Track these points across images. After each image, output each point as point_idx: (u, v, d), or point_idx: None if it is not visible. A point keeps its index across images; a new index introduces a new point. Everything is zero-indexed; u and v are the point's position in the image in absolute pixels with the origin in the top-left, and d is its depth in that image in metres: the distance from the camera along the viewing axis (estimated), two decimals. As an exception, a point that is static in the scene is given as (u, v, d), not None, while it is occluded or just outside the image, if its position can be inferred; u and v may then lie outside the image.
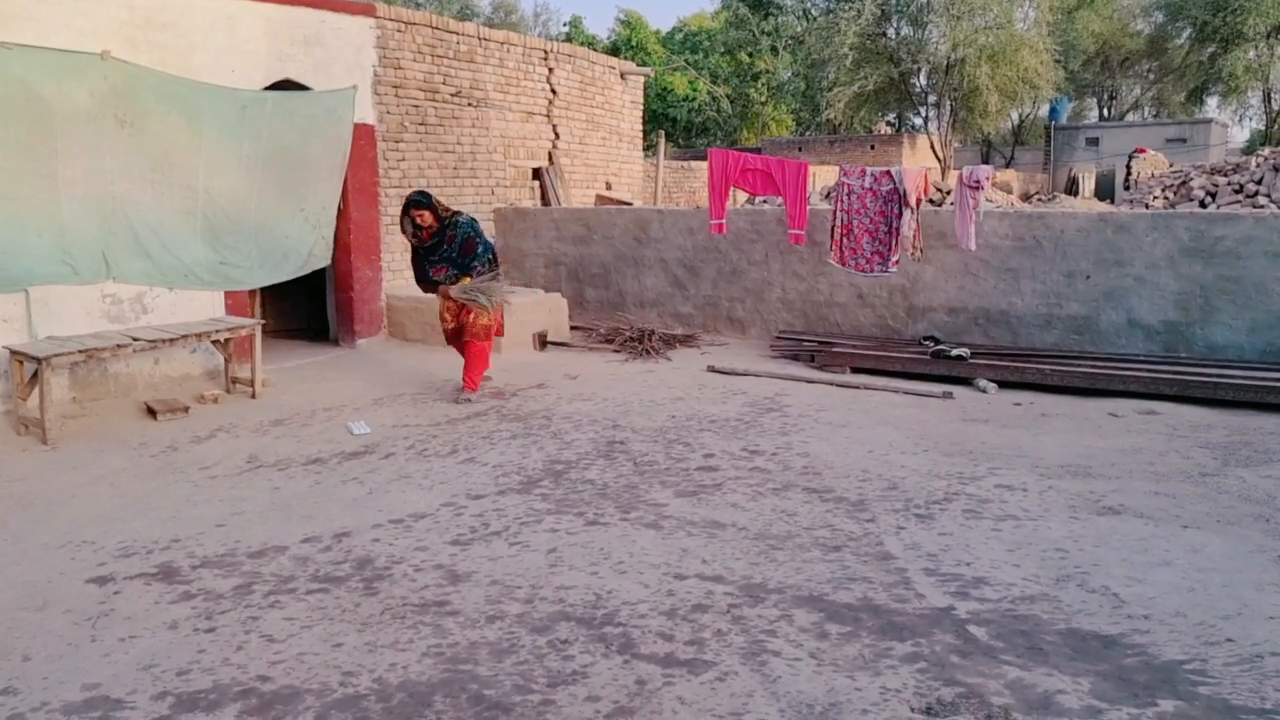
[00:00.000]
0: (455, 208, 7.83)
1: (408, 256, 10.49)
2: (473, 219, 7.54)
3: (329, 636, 3.60)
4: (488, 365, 7.67)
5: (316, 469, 5.78)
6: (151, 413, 7.06)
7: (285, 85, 8.64)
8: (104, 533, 4.72)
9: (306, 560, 4.35)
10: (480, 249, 7.43)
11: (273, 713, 3.09)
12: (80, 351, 6.56)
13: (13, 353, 6.54)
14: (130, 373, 7.58)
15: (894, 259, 8.53)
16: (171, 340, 7.12)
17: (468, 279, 7.43)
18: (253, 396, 7.65)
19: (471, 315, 7.44)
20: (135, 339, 6.92)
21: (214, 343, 7.68)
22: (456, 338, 7.65)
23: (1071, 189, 30.46)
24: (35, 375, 6.38)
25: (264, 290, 8.86)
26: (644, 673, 3.31)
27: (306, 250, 8.78)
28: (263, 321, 8.10)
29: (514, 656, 3.43)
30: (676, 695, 3.17)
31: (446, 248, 7.37)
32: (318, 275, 9.50)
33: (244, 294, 8.45)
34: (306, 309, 10.57)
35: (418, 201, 7.22)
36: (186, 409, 7.15)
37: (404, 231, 7.39)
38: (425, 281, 7.62)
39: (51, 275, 7.03)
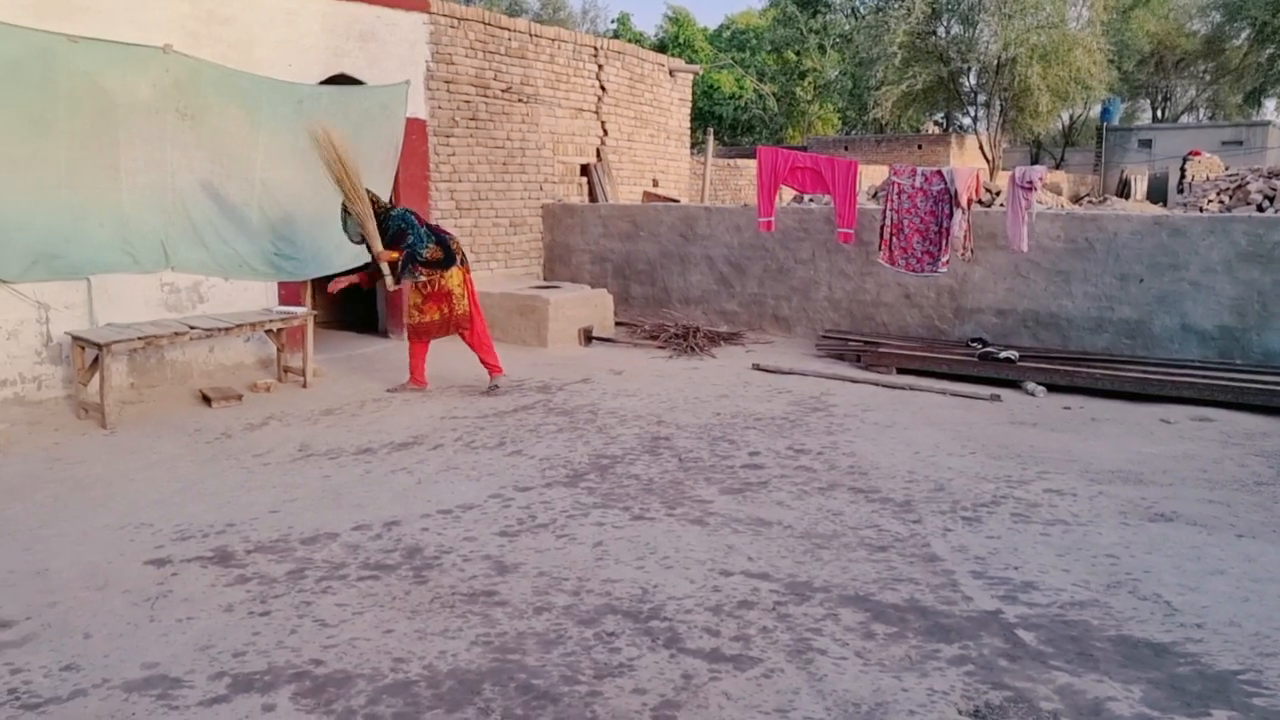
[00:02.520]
0: (390, 201, 8.05)
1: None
2: (406, 210, 7.54)
3: (380, 623, 3.66)
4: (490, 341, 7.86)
5: (366, 458, 5.87)
6: (206, 400, 7.20)
7: (340, 80, 8.76)
8: (161, 516, 4.83)
9: (357, 548, 4.43)
10: (410, 238, 7.29)
11: (325, 695, 3.15)
12: (139, 338, 6.70)
13: (75, 338, 6.70)
14: (186, 360, 7.73)
15: (944, 259, 8.47)
16: (226, 329, 7.26)
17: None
18: (304, 386, 7.78)
19: (449, 307, 7.52)
20: (192, 327, 7.07)
21: (267, 332, 7.82)
22: (437, 331, 7.62)
23: (1123, 191, 29.93)
24: (96, 361, 6.54)
25: (316, 282, 8.99)
26: (690, 667, 3.34)
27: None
28: (315, 312, 8.22)
29: (561, 647, 3.47)
30: (723, 690, 3.19)
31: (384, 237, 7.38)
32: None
33: (297, 285, 8.58)
34: (357, 301, 10.69)
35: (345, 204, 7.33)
36: (240, 397, 7.28)
37: (346, 233, 7.47)
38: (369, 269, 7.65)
39: (112, 264, 7.19)
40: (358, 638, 3.54)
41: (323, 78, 8.55)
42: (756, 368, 8.55)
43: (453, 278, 7.53)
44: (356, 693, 3.16)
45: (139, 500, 5.08)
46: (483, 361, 7.69)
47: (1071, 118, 39.85)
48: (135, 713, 3.04)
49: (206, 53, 7.56)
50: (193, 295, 7.74)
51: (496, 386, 7.61)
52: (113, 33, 6.97)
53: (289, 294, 8.47)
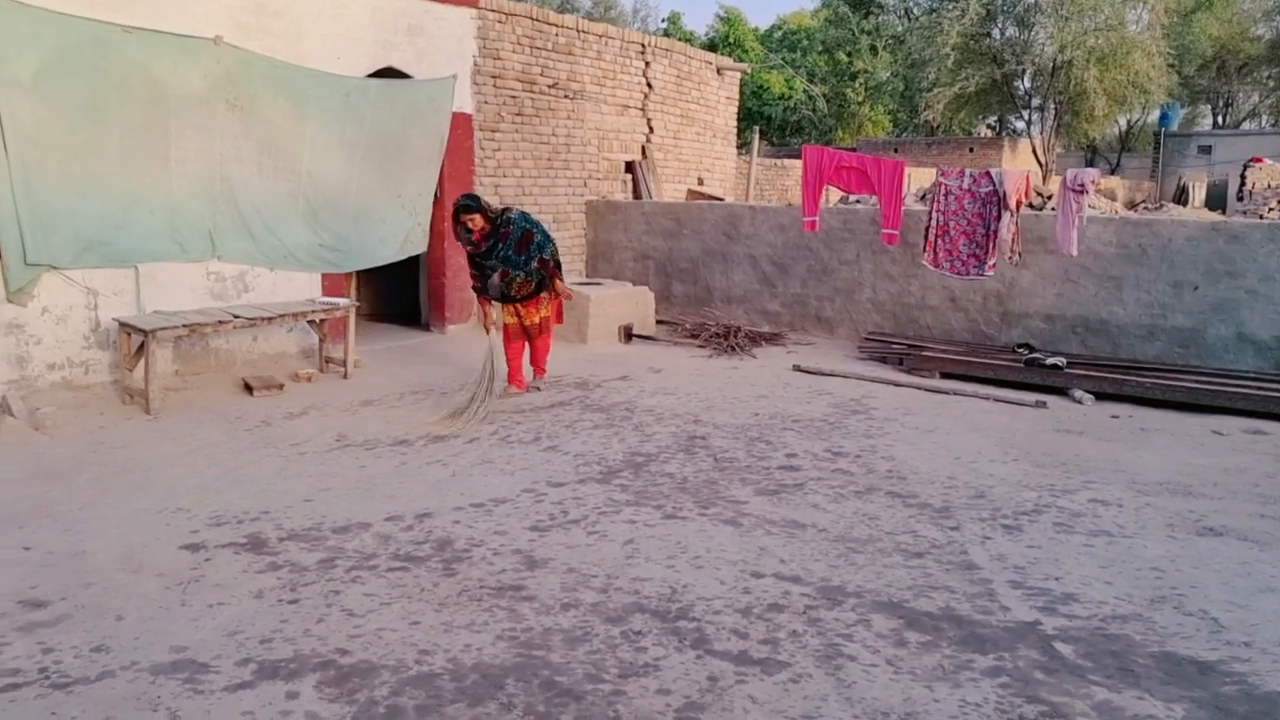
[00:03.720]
0: (505, 204, 7.58)
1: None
2: (525, 212, 7.31)
3: (407, 614, 3.65)
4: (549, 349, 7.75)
5: (402, 450, 5.88)
6: (248, 388, 7.27)
7: (387, 73, 8.81)
8: (198, 501, 4.88)
9: (388, 538, 4.43)
10: (539, 237, 7.13)
11: (349, 685, 3.14)
12: (184, 326, 6.79)
13: (121, 324, 6.80)
14: (230, 348, 7.82)
15: (990, 262, 8.31)
16: (270, 319, 7.33)
17: (530, 283, 7.20)
18: (345, 377, 7.83)
19: (533, 313, 7.35)
20: (236, 316, 7.14)
21: (310, 323, 7.89)
22: (522, 334, 7.45)
23: (1180, 198, 29.27)
24: (141, 347, 6.63)
25: (360, 274, 9.07)
26: (716, 669, 3.28)
27: (402, 236, 8.95)
28: (357, 304, 8.28)
29: (587, 645, 3.44)
30: (748, 694, 3.13)
31: (502, 247, 7.02)
32: (412, 261, 9.67)
33: (340, 276, 8.65)
34: (399, 294, 10.77)
35: (466, 206, 6.94)
36: (281, 386, 7.35)
37: (458, 239, 7.16)
38: (483, 293, 7.29)
39: (161, 252, 7.29)
40: (384, 628, 3.54)
41: (370, 71, 8.60)
42: (797, 369, 8.46)
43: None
44: (380, 683, 3.15)
45: (178, 485, 5.13)
46: (534, 361, 7.58)
47: (1129, 123, 39.13)
48: (161, 696, 3.05)
49: (255, 45, 7.64)
50: (238, 284, 7.83)
51: (538, 388, 7.53)
52: (164, 23, 7.06)
53: (332, 285, 8.53)
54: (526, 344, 7.51)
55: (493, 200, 10.37)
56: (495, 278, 7.09)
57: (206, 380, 7.47)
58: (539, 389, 7.51)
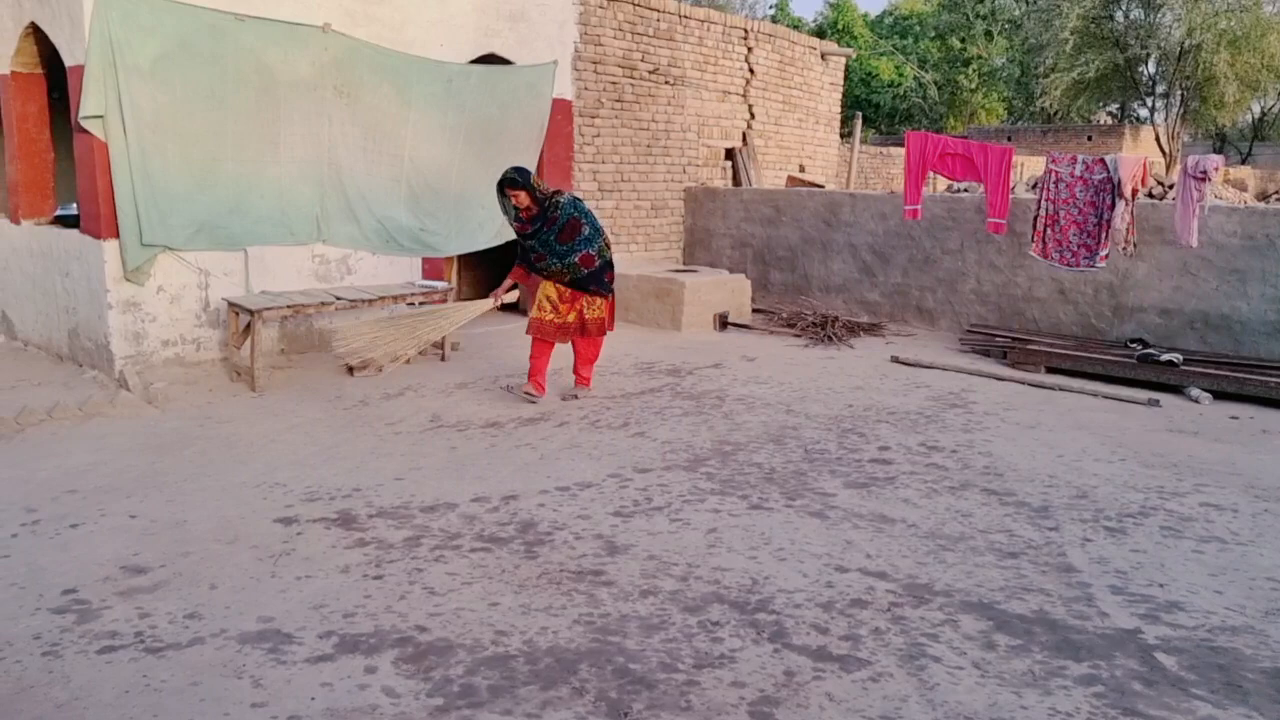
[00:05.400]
0: (555, 187, 6.73)
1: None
2: (577, 198, 6.59)
3: (486, 595, 3.68)
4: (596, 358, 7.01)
5: (493, 432, 5.94)
6: (349, 369, 7.45)
7: (489, 59, 8.89)
8: (295, 477, 5.01)
9: (474, 519, 4.47)
10: (587, 229, 6.45)
11: (426, 662, 3.18)
12: (289, 306, 6.98)
13: (230, 304, 7.03)
14: (332, 329, 8.01)
15: (1103, 253, 7.95)
16: (370, 301, 7.48)
17: (564, 274, 6.50)
18: (442, 359, 7.96)
19: (584, 309, 6.63)
20: (338, 298, 7.32)
21: (410, 305, 8.02)
22: (557, 333, 6.62)
23: (1319, 189, 27.63)
24: (249, 326, 6.85)
25: (459, 258, 9.20)
26: (793, 664, 3.21)
27: (500, 221, 9.02)
28: (456, 288, 8.40)
29: (663, 633, 3.40)
30: (825, 691, 3.05)
31: (546, 231, 6.40)
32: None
33: (440, 260, 8.78)
34: (498, 278, 10.86)
35: (511, 180, 6.28)
36: (380, 367, 7.50)
37: (505, 214, 6.58)
38: (526, 264, 6.68)
39: (270, 236, 7.51)
40: (463, 608, 3.57)
41: (472, 57, 8.70)
42: (895, 360, 8.26)
43: None
44: (456, 662, 3.18)
45: (276, 460, 5.29)
46: (578, 369, 6.91)
47: (1262, 109, 36.95)
48: (246, 664, 3.14)
49: (361, 32, 7.79)
50: (341, 267, 8.02)
51: (575, 396, 6.78)
52: (276, 11, 7.26)
53: (432, 269, 8.67)
54: (553, 347, 6.71)
55: (589, 185, 10.41)
56: (534, 258, 6.55)
57: (309, 360, 7.69)
58: (577, 397, 6.75)
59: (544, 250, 6.45)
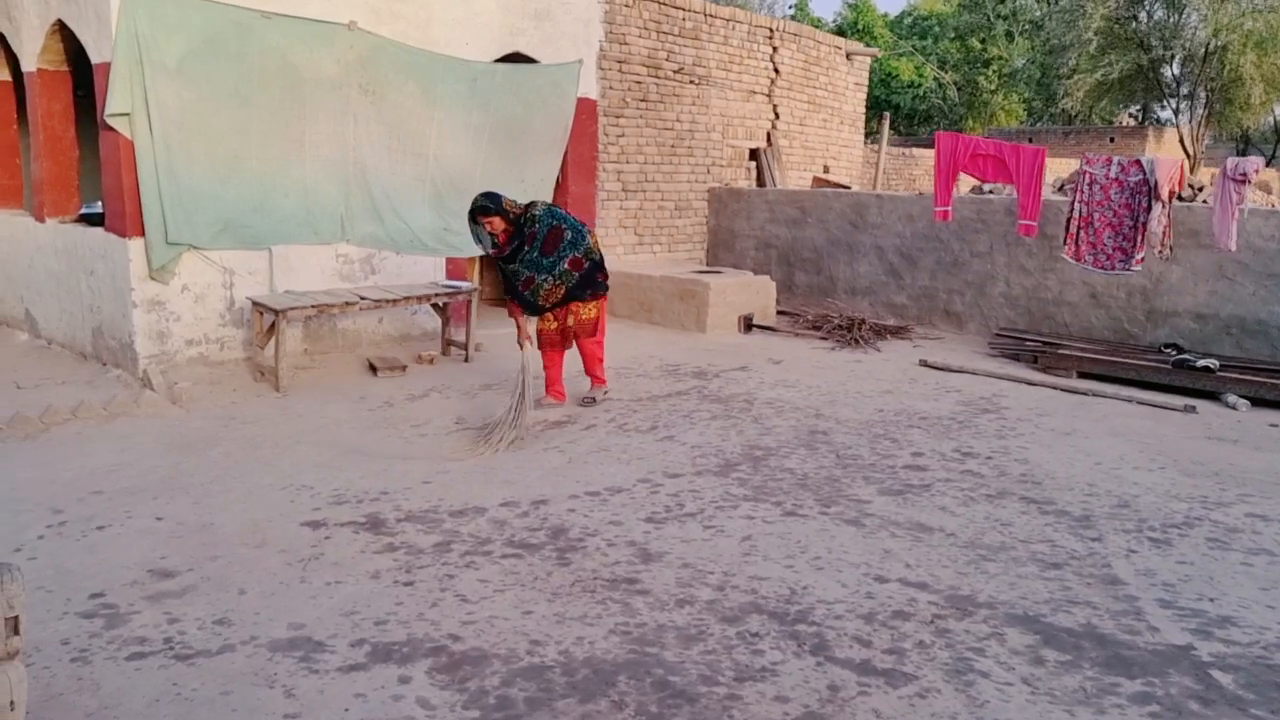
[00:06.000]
0: (527, 200, 6.40)
1: (621, 232, 10.62)
2: (551, 205, 6.34)
3: (519, 603, 3.61)
4: (602, 354, 6.73)
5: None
6: (372, 369, 7.40)
7: (513, 58, 8.82)
8: (321, 479, 4.95)
9: (503, 524, 4.40)
10: (569, 234, 6.16)
11: (461, 672, 3.10)
12: (313, 306, 6.93)
13: (255, 303, 6.99)
14: (356, 329, 7.97)
15: (1138, 256, 7.82)
16: (394, 301, 7.43)
17: (560, 288, 6.23)
18: (466, 360, 7.90)
19: (574, 315, 6.41)
20: (362, 298, 7.26)
21: (433, 306, 7.97)
22: (560, 340, 6.51)
23: (1345, 192, 27.29)
24: (273, 326, 6.80)
25: (482, 258, 9.12)
26: (838, 678, 3.13)
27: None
28: (479, 288, 8.34)
29: (702, 644, 3.32)
30: (872, 707, 2.96)
31: (528, 250, 6.11)
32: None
33: (464, 260, 8.72)
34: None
35: (482, 207, 5.98)
36: (404, 368, 7.45)
37: (477, 243, 6.21)
38: (516, 297, 6.37)
39: (294, 235, 7.46)
40: (496, 616, 3.49)
41: (497, 56, 8.63)
42: (924, 364, 8.15)
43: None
44: (491, 673, 3.11)
45: (302, 462, 5.23)
46: (589, 371, 6.71)
47: (1288, 111, 36.59)
48: (277, 673, 3.07)
49: (386, 30, 7.74)
50: (365, 267, 7.97)
51: (594, 400, 6.63)
52: (302, 9, 7.21)
53: (456, 269, 8.61)
54: (565, 351, 6.58)
55: (613, 185, 10.34)
56: (519, 286, 6.23)
57: (333, 360, 7.63)
58: (595, 400, 6.61)
59: (531, 270, 6.16)
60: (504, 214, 6.00)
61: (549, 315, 6.44)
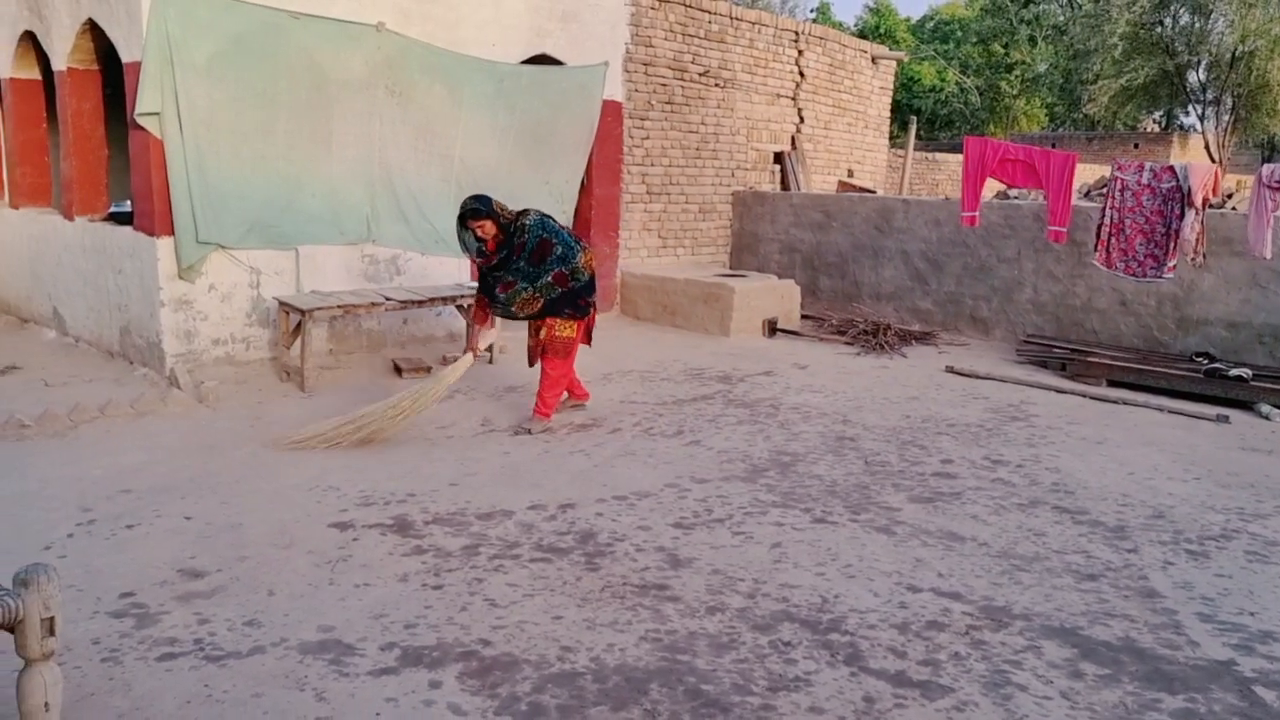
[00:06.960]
0: (521, 208, 6.10)
1: (645, 235, 10.59)
2: (544, 216, 6.00)
3: (549, 608, 3.58)
4: (564, 387, 6.30)
5: (545, 438, 5.85)
6: (397, 369, 7.40)
7: (540, 59, 8.81)
8: (348, 480, 4.94)
9: (531, 527, 4.37)
10: (559, 249, 5.83)
11: (491, 678, 3.08)
12: (338, 306, 6.93)
13: (281, 303, 7.00)
14: (381, 330, 7.97)
15: (1170, 264, 7.72)
16: (419, 302, 7.42)
17: (537, 300, 5.92)
18: (490, 362, 7.88)
19: (549, 329, 6.06)
20: (387, 299, 7.25)
21: (458, 307, 7.95)
22: (534, 355, 6.31)
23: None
24: (299, 326, 6.81)
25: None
26: (873, 689, 3.08)
27: (550, 222, 8.96)
28: (503, 290, 8.30)
29: (734, 653, 3.28)
30: None
31: (516, 258, 5.86)
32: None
33: (487, 262, 8.70)
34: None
35: (474, 210, 5.76)
36: (429, 369, 7.44)
37: (464, 250, 6.01)
38: (490, 298, 6.06)
39: (320, 235, 7.47)
40: (526, 621, 3.47)
41: (524, 57, 8.62)
42: (950, 370, 8.08)
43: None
44: (522, 679, 3.08)
45: (329, 463, 5.22)
46: (538, 394, 6.17)
47: (1315, 118, 36.19)
48: (308, 676, 3.05)
49: (415, 31, 7.74)
50: (390, 267, 7.97)
51: (529, 431, 6.01)
52: (331, 10, 7.22)
53: (480, 270, 8.59)
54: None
55: (637, 188, 10.30)
56: (497, 289, 5.96)
57: (358, 360, 7.63)
58: (530, 432, 5.97)
59: (514, 276, 5.88)
60: (495, 217, 5.80)
61: (535, 329, 6.18)
